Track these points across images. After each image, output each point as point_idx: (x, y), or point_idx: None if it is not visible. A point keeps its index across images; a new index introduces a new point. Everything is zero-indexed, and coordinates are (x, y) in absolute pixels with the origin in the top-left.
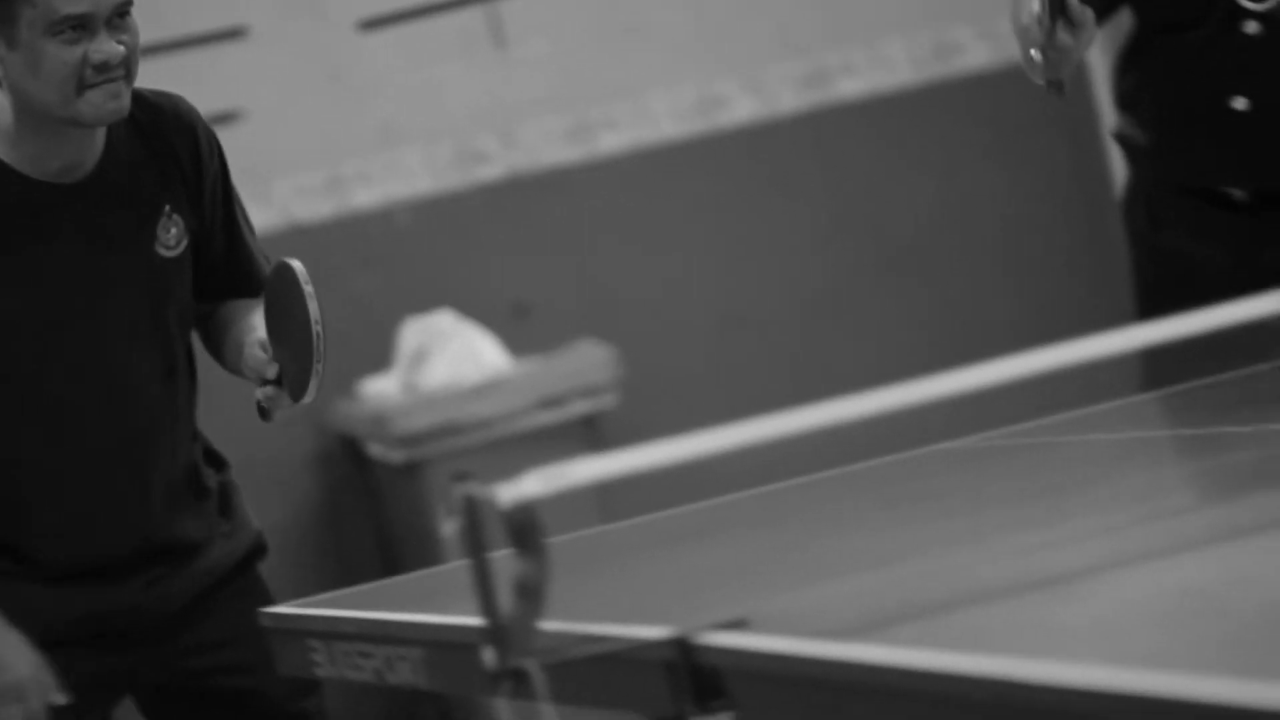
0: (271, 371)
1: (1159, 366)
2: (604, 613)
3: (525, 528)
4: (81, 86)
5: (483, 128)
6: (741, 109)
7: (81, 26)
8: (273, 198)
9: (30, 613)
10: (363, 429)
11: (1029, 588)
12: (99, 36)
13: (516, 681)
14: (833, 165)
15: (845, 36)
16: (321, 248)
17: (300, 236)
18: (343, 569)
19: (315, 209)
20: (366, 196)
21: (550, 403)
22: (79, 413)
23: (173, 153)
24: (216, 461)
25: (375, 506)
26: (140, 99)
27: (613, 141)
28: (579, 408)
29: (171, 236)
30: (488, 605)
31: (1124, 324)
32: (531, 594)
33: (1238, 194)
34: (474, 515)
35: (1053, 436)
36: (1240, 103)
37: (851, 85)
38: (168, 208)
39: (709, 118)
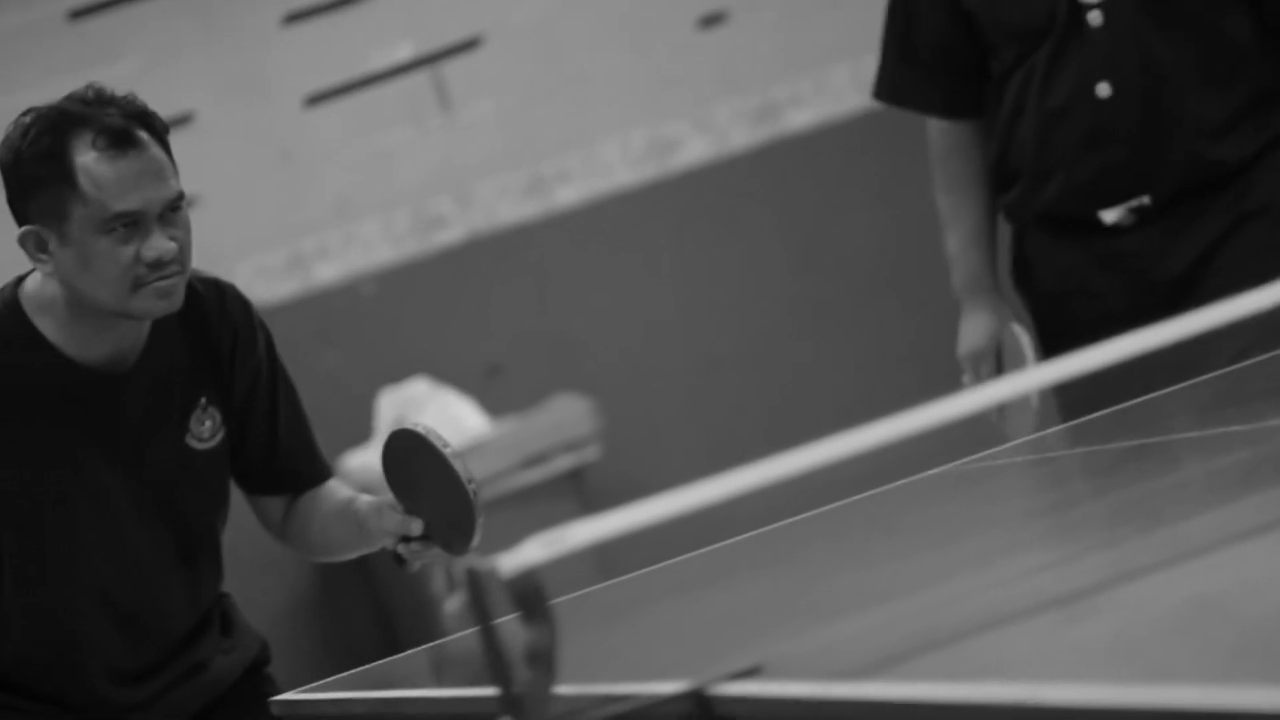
0: (417, 529)
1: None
2: (617, 671)
3: (531, 595)
4: (136, 284)
5: (438, 192)
6: (694, 149)
7: (133, 224)
8: (235, 281)
9: None
10: None
11: (1039, 610)
12: (151, 233)
13: None
14: (788, 199)
15: (792, 68)
16: (288, 326)
17: (266, 317)
18: (345, 649)
19: (278, 289)
20: (329, 271)
21: (534, 460)
22: (96, 586)
23: (213, 345)
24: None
25: (371, 583)
26: (188, 288)
27: (569, 194)
28: (563, 463)
29: (206, 429)
30: (502, 675)
31: None
32: (544, 660)
33: (1110, 217)
34: (478, 588)
35: (1043, 453)
36: (1104, 89)
37: (800, 117)
38: (204, 400)
39: (662, 161)
